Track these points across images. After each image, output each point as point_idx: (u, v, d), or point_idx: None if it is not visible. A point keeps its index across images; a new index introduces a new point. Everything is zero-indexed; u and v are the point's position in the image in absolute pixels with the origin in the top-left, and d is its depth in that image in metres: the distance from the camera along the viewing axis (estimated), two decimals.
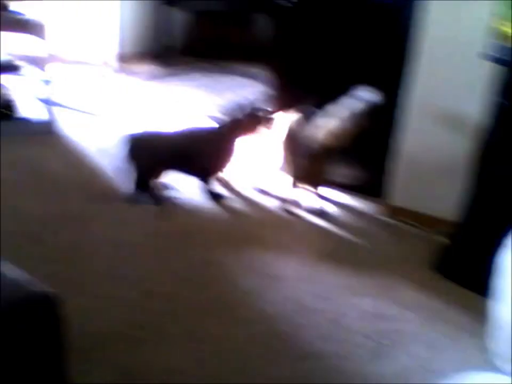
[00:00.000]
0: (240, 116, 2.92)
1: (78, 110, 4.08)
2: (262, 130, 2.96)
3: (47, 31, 3.47)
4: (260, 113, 2.96)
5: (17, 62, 3.63)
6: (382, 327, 2.02)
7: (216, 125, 2.96)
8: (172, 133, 2.94)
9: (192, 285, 2.21)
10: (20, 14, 3.46)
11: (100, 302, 2.07)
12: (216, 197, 2.93)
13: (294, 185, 2.86)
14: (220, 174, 3.03)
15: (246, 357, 1.84)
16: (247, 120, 2.91)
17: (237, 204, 2.90)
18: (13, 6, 3.46)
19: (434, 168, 2.68)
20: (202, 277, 2.27)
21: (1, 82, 3.57)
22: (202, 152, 2.85)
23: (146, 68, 5.31)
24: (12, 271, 1.21)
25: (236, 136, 2.91)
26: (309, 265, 2.39)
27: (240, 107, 2.97)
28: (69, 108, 4.05)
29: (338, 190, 3.08)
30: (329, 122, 2.70)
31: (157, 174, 2.84)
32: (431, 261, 2.43)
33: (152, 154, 2.80)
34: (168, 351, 1.85)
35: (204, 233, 2.61)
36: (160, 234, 2.58)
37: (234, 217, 2.79)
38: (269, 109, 3.04)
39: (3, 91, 3.70)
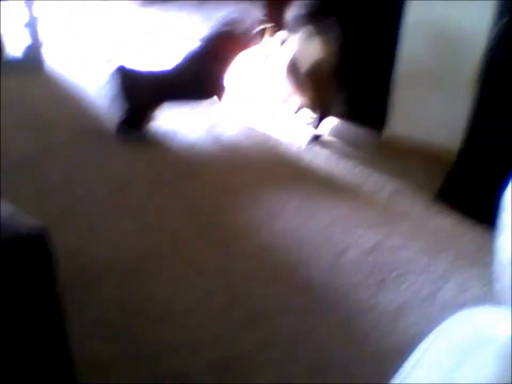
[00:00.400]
0: (227, 28, 2.85)
1: (67, 41, 3.95)
2: (252, 46, 2.91)
3: None
4: (247, 27, 2.90)
5: None
6: (387, 259, 2.01)
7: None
8: (162, 71, 2.82)
9: (190, 219, 2.20)
10: None
11: (95, 235, 2.08)
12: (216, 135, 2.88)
13: (297, 111, 2.84)
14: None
15: (249, 288, 1.86)
16: (234, 32, 2.85)
17: (237, 138, 2.87)
18: None
19: (435, 95, 2.61)
20: (200, 211, 2.26)
21: None
22: (196, 73, 2.78)
23: None
24: (3, 207, 1.20)
25: (225, 47, 2.83)
26: (310, 198, 2.38)
27: (228, 21, 2.88)
28: (58, 39, 3.92)
29: (340, 119, 3.03)
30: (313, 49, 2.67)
31: (152, 109, 2.77)
32: (435, 190, 2.41)
33: (146, 88, 2.72)
34: (168, 282, 1.88)
35: (201, 170, 2.58)
36: (153, 169, 2.55)
37: (232, 152, 2.76)
38: (258, 24, 2.97)
39: None
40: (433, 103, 2.62)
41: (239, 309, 1.77)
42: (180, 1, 4.87)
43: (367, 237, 2.14)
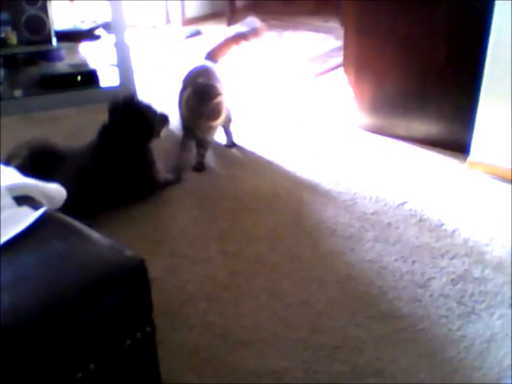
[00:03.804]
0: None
1: (153, 75, 4.15)
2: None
3: None
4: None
5: (97, 30, 3.75)
6: (474, 290, 1.95)
7: None
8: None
9: (263, 244, 2.25)
10: None
11: (184, 262, 2.15)
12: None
13: None
14: None
15: (331, 317, 1.86)
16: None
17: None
18: None
19: None
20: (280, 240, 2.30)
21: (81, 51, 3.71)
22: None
23: (216, 28, 5.28)
24: (103, 239, 1.29)
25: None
26: (389, 227, 2.35)
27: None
28: (145, 72, 4.13)
29: (418, 145, 2.99)
30: None
31: None
32: None
33: None
34: (251, 310, 1.90)
35: (278, 198, 2.62)
36: (233, 198, 2.61)
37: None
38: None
39: (85, 60, 3.84)
40: None
41: (322, 339, 1.77)
42: None
43: (452, 267, 2.08)
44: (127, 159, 2.50)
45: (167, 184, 2.66)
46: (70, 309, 1.11)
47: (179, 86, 2.95)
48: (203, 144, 2.86)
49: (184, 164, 2.83)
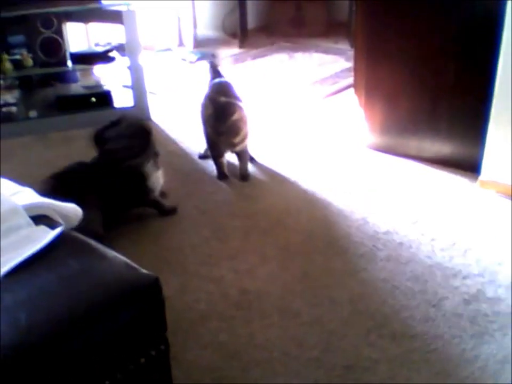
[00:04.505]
0: None
1: (166, 96, 4.21)
2: None
3: (138, 20, 3.56)
4: None
5: (111, 52, 3.81)
6: (487, 310, 1.94)
7: None
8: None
9: (275, 263, 2.25)
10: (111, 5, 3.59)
11: (195, 280, 2.16)
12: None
13: None
14: None
15: (343, 336, 1.86)
16: None
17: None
18: None
19: None
20: (292, 259, 2.31)
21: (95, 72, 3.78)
22: None
23: (227, 51, 5.34)
24: (116, 255, 1.31)
25: None
26: (401, 247, 2.35)
27: None
28: (158, 93, 4.18)
29: (429, 164, 2.99)
30: None
31: None
32: None
33: None
34: (263, 328, 1.91)
35: (289, 217, 2.64)
36: (247, 215, 2.62)
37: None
38: None
39: (99, 81, 3.90)
40: None
41: (335, 358, 1.77)
42: (269, 56, 5.08)
43: (465, 286, 2.08)
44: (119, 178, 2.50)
45: (158, 206, 2.62)
46: (85, 326, 1.12)
47: (198, 103, 3.02)
48: (240, 157, 2.98)
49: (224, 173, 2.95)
